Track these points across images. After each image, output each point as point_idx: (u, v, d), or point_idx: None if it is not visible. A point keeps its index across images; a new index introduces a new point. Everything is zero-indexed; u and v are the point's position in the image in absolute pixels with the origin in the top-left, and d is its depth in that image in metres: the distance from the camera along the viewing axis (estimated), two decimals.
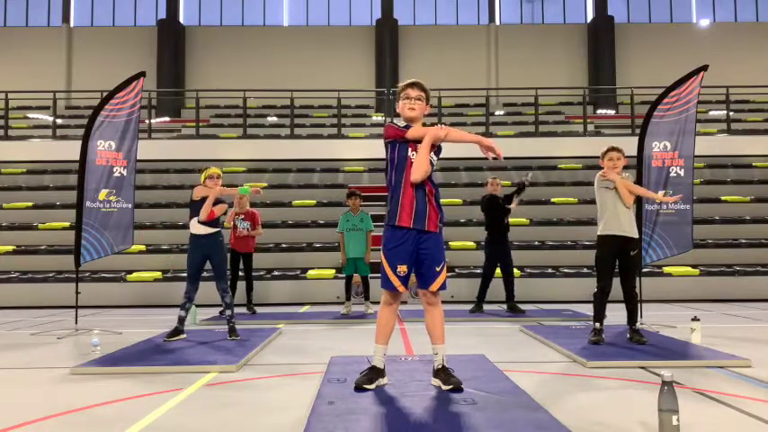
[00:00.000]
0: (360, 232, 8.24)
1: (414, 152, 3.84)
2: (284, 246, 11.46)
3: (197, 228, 6.12)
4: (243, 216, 8.46)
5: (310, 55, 23.80)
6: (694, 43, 23.59)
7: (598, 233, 5.66)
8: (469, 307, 8.40)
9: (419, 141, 3.83)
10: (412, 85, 3.93)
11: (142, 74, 7.90)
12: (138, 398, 3.92)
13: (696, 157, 7.62)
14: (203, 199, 6.09)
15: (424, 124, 3.98)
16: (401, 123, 3.92)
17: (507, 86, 21.82)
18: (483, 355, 4.99)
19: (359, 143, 15.42)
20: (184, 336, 6.09)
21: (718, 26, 24.44)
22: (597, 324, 5.59)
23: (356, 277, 8.60)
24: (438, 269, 3.87)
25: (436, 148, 3.92)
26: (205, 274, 6.30)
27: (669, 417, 2.81)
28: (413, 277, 3.96)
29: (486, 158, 3.84)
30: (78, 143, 7.63)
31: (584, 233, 11.37)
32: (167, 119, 20.53)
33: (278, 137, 16.19)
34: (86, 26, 24.88)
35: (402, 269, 3.84)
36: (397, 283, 3.85)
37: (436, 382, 3.89)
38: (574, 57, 24.14)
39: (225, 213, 6.44)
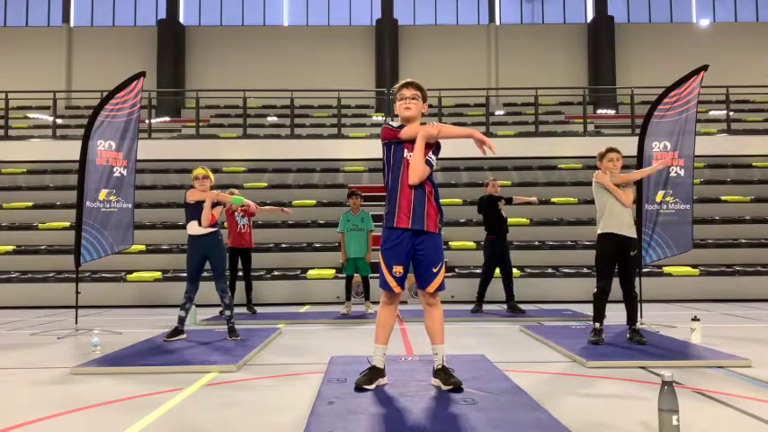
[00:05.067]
0: (360, 232, 8.24)
1: (410, 153, 3.83)
2: (284, 246, 11.46)
3: (195, 229, 6.11)
4: (241, 213, 8.43)
5: (310, 55, 23.81)
6: (694, 43, 23.60)
7: (598, 232, 5.66)
8: (470, 307, 8.41)
9: (414, 141, 3.83)
10: (406, 85, 3.94)
11: (142, 74, 7.91)
12: (138, 397, 3.92)
13: (696, 157, 7.63)
14: (198, 202, 6.09)
15: (422, 123, 3.97)
16: (395, 124, 3.92)
17: (507, 86, 21.83)
18: (483, 355, 4.99)
19: (359, 143, 15.42)
20: (184, 336, 6.09)
21: (718, 26, 24.46)
22: (597, 324, 5.59)
23: (356, 277, 8.60)
24: (435, 270, 3.86)
25: (434, 148, 3.91)
26: (205, 274, 6.30)
27: (669, 417, 2.81)
28: (413, 277, 3.96)
29: (486, 158, 3.85)
30: (78, 143, 7.64)
31: (585, 233, 11.37)
32: (167, 119, 20.54)
33: (278, 137, 16.19)
34: (86, 26, 24.90)
35: (398, 270, 3.83)
36: (393, 283, 3.85)
37: (436, 382, 3.89)
38: (574, 57, 24.15)
39: (221, 213, 6.48)
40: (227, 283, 6.41)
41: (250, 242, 8.56)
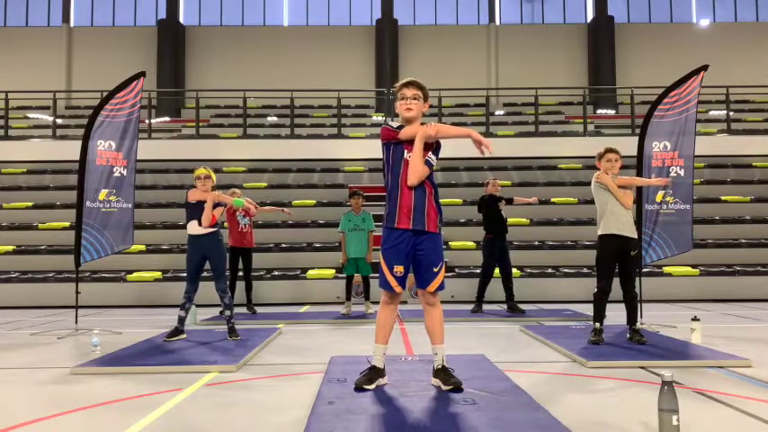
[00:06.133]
0: (362, 232, 8.24)
1: (410, 153, 3.82)
2: (284, 246, 11.46)
3: (195, 228, 6.11)
4: (243, 213, 8.43)
5: (310, 55, 23.80)
6: (694, 43, 23.59)
7: (598, 233, 5.66)
8: (470, 307, 8.41)
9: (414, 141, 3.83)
10: (407, 84, 3.91)
11: (142, 74, 7.91)
12: (138, 397, 3.92)
13: (696, 156, 7.63)
14: (199, 202, 6.09)
15: (422, 123, 3.97)
16: (395, 124, 3.92)
17: (507, 86, 21.83)
18: (483, 355, 4.99)
19: (359, 143, 15.42)
20: (184, 336, 6.09)
21: (718, 26, 24.45)
22: (597, 324, 5.59)
23: (357, 277, 8.59)
24: (436, 270, 3.86)
25: (434, 148, 3.90)
26: (205, 274, 6.30)
27: (669, 417, 2.81)
28: (412, 277, 3.96)
29: (486, 158, 3.86)
30: (78, 143, 7.63)
31: (585, 233, 11.37)
32: (167, 119, 20.53)
33: (278, 137, 16.19)
34: (86, 26, 24.89)
35: (398, 269, 3.83)
36: (393, 283, 3.85)
37: (436, 382, 3.89)
38: (574, 57, 24.15)
39: (221, 213, 6.47)
40: (228, 283, 6.41)
41: (251, 242, 8.56)
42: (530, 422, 3.14)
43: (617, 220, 5.54)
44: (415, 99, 3.88)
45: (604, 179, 5.59)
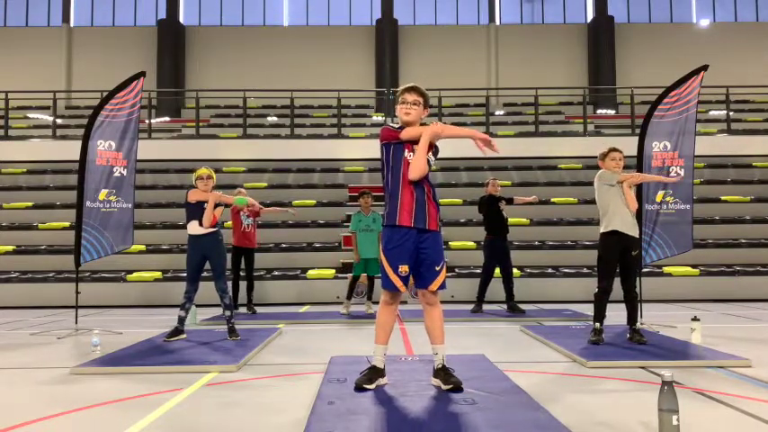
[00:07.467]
0: (372, 233, 8.21)
1: (410, 153, 3.86)
2: (284, 246, 11.46)
3: (195, 228, 6.10)
4: (247, 213, 8.42)
5: (310, 55, 23.80)
6: (694, 43, 23.59)
7: (601, 231, 5.65)
8: (470, 307, 8.41)
9: (415, 142, 3.85)
10: (409, 89, 3.95)
11: (142, 74, 7.90)
12: (138, 398, 3.92)
13: (696, 157, 7.62)
14: (199, 202, 6.08)
15: (422, 124, 3.99)
16: (395, 125, 3.95)
17: (507, 86, 21.84)
18: (483, 355, 4.99)
19: (359, 143, 15.42)
20: (184, 336, 6.08)
21: (718, 26, 24.46)
22: (597, 324, 5.59)
23: (362, 277, 8.56)
24: (438, 269, 3.88)
25: (434, 149, 3.93)
26: (205, 274, 6.29)
27: (669, 417, 2.81)
28: (412, 277, 3.97)
29: (486, 158, 3.87)
30: (78, 143, 7.63)
31: (585, 233, 11.37)
32: (167, 119, 20.54)
33: (278, 137, 16.19)
34: (86, 26, 24.90)
35: (403, 269, 3.84)
36: (398, 283, 3.85)
37: (436, 381, 3.89)
38: (574, 57, 24.15)
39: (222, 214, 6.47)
40: (228, 283, 6.40)
41: (254, 242, 8.56)
42: (530, 422, 3.14)
43: (620, 218, 5.54)
44: (414, 105, 3.92)
45: (625, 179, 5.58)
